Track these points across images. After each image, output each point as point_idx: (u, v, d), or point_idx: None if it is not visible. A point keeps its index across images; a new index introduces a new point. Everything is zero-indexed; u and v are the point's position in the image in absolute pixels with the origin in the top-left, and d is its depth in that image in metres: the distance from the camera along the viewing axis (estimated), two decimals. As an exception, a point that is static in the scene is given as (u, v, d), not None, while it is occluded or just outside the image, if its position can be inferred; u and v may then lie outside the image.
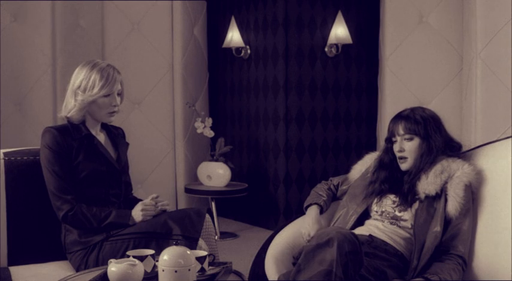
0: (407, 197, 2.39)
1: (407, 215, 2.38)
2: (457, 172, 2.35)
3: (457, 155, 2.45)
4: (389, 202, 2.44)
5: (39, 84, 4.75)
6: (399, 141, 2.44)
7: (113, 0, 5.04)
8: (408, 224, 2.38)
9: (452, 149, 2.45)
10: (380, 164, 2.54)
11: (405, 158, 2.43)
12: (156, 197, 2.59)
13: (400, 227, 2.39)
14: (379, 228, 2.40)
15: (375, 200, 2.49)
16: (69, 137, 2.50)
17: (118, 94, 2.56)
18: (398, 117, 2.46)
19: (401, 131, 2.43)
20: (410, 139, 2.42)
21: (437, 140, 2.41)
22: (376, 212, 2.46)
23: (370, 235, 2.37)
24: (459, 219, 2.31)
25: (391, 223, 2.40)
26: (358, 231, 2.42)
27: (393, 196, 2.45)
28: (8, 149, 2.68)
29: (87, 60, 2.56)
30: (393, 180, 2.48)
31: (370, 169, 2.58)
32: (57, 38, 4.78)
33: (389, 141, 2.49)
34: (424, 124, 2.41)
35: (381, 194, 2.48)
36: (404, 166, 2.45)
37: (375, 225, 2.43)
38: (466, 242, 2.30)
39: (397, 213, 2.40)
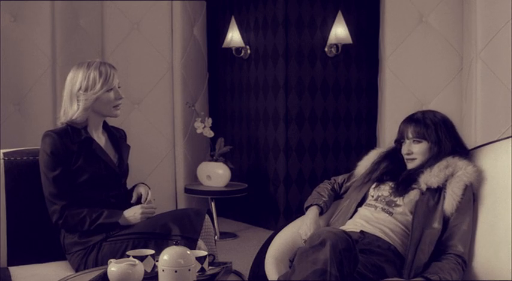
0: (402, 184, 2.42)
1: (401, 201, 2.39)
2: (460, 171, 2.36)
3: (465, 156, 2.45)
4: (387, 188, 2.47)
5: (39, 84, 4.76)
6: (408, 144, 2.48)
7: (113, 0, 5.04)
8: (400, 209, 2.38)
9: (461, 152, 2.46)
10: (385, 158, 2.58)
11: (414, 158, 2.47)
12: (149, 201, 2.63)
13: (392, 214, 2.39)
14: (370, 220, 2.40)
15: (373, 186, 2.51)
16: (69, 140, 2.50)
17: (118, 87, 2.57)
18: (409, 120, 2.50)
19: (410, 135, 2.47)
20: (419, 142, 2.45)
21: (446, 144, 2.43)
22: (372, 196, 2.49)
23: (361, 231, 2.37)
24: (458, 218, 2.31)
25: (384, 210, 2.41)
26: (350, 226, 2.43)
27: (392, 183, 2.47)
28: (8, 149, 2.68)
29: (77, 63, 2.57)
30: (395, 172, 2.51)
31: (374, 161, 2.62)
32: (57, 38, 4.78)
33: (399, 142, 2.52)
34: (435, 129, 2.44)
35: (379, 181, 2.50)
36: (411, 165, 2.48)
37: (365, 216, 2.43)
38: (466, 242, 2.30)
39: (392, 198, 2.42)
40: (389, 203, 2.42)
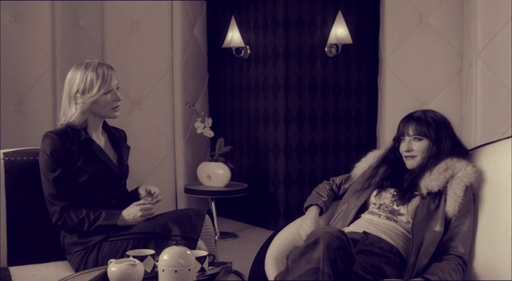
0: (405, 192, 2.40)
1: (404, 210, 2.39)
2: (459, 172, 2.36)
3: (463, 156, 2.45)
4: (388, 195, 2.46)
5: (39, 84, 4.76)
6: (407, 141, 2.46)
7: (113, 0, 5.04)
8: (404, 219, 2.38)
9: (460, 153, 2.46)
10: (384, 161, 2.56)
11: (414, 156, 2.45)
12: (151, 194, 2.64)
13: (396, 222, 2.39)
14: (374, 223, 2.40)
15: (374, 193, 2.50)
16: (68, 141, 2.49)
17: (117, 88, 2.56)
18: (410, 118, 2.49)
19: (411, 132, 2.46)
20: (419, 140, 2.44)
21: (446, 144, 2.43)
22: (375, 204, 2.48)
23: (364, 232, 2.37)
24: (459, 219, 2.31)
25: (388, 218, 2.41)
26: (353, 227, 2.43)
27: (393, 190, 2.46)
28: (8, 149, 2.68)
29: (76, 64, 2.54)
30: (395, 177, 2.49)
31: (372, 165, 2.60)
32: (57, 38, 4.78)
33: (397, 140, 2.51)
34: (436, 127, 2.43)
35: (380, 188, 2.49)
36: (411, 164, 2.46)
37: (370, 220, 2.43)
38: (466, 242, 2.30)
39: (395, 207, 2.41)
40: (393, 212, 2.41)
